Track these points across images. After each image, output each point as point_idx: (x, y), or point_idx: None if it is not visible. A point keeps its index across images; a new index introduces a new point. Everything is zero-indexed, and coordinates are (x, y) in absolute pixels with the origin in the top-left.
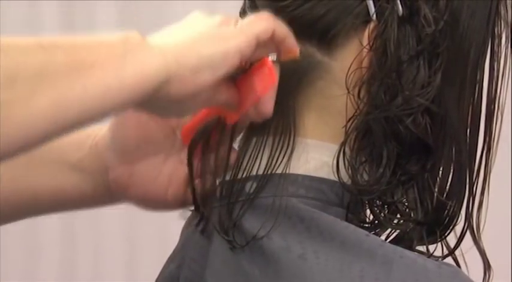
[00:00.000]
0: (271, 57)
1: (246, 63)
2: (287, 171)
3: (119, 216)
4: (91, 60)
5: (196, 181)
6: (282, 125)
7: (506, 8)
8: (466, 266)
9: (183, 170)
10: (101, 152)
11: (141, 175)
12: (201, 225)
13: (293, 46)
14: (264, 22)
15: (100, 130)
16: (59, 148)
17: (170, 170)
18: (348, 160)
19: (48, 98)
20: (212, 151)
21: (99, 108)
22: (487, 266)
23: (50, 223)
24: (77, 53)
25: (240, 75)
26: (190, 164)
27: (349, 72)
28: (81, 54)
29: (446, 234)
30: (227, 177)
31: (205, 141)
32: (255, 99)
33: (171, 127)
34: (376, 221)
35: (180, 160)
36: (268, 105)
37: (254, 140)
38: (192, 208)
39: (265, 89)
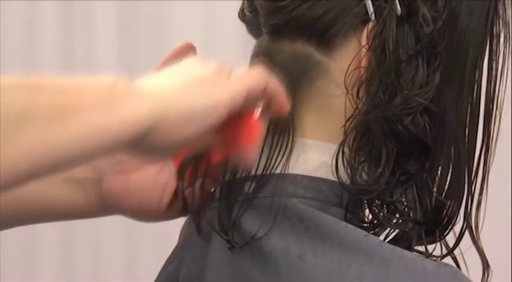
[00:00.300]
0: (260, 109)
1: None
2: (286, 171)
3: (118, 216)
4: (76, 104)
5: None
6: (280, 124)
7: (505, 7)
8: (466, 265)
9: None
10: (95, 162)
11: (136, 185)
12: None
13: (283, 102)
14: (257, 77)
15: None
16: None
17: (165, 179)
18: (347, 160)
19: (30, 140)
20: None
21: (82, 153)
22: (485, 266)
23: (50, 224)
24: (63, 96)
25: (229, 119)
26: (180, 177)
27: (348, 72)
28: (67, 98)
29: (445, 234)
30: (226, 178)
31: (195, 163)
32: (238, 148)
33: None
34: (375, 221)
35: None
36: (250, 156)
37: None
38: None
39: (248, 142)
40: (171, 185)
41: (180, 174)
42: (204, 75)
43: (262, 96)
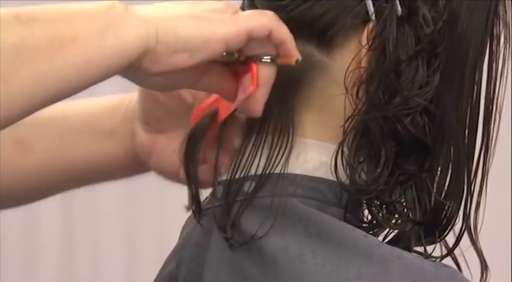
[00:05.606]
0: (266, 58)
1: (240, 56)
2: (285, 171)
3: (118, 216)
4: (72, 33)
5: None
6: (280, 124)
7: (505, 8)
8: (461, 266)
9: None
10: (132, 116)
11: (162, 146)
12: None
13: (291, 51)
14: (262, 19)
15: (134, 96)
16: (92, 117)
17: None
18: (346, 160)
19: (29, 74)
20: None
21: (79, 82)
22: (484, 266)
23: (49, 223)
24: (57, 26)
25: (241, 68)
26: (187, 153)
27: (348, 72)
28: (62, 28)
29: (444, 234)
30: (226, 177)
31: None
32: (244, 96)
33: (189, 105)
34: (375, 221)
35: None
36: (256, 105)
37: (253, 139)
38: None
39: (250, 90)
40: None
41: (190, 142)
42: (203, 9)
43: (268, 42)
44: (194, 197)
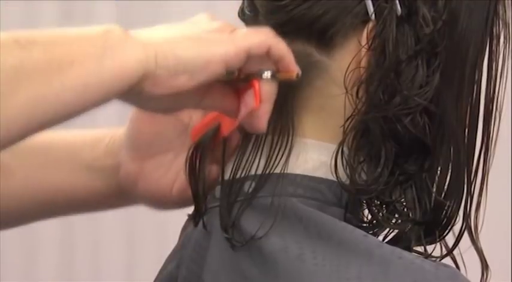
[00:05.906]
0: (267, 74)
1: (240, 74)
2: (285, 171)
3: (118, 216)
4: (70, 56)
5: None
6: (280, 124)
7: (505, 8)
8: (461, 266)
9: None
10: (117, 149)
11: (150, 171)
12: (199, 222)
13: (289, 66)
14: (260, 36)
15: (118, 130)
16: (73, 148)
17: (179, 167)
18: (346, 160)
19: (27, 95)
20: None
21: (78, 105)
22: (484, 266)
23: (49, 224)
24: (56, 49)
25: (242, 85)
26: (191, 165)
27: (348, 72)
28: (60, 51)
29: (444, 234)
30: (226, 177)
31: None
32: (247, 112)
33: (184, 126)
34: (375, 221)
35: None
36: (260, 121)
37: (253, 139)
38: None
39: (253, 106)
40: (183, 173)
41: (195, 153)
42: (202, 30)
43: (267, 58)
44: (199, 211)
